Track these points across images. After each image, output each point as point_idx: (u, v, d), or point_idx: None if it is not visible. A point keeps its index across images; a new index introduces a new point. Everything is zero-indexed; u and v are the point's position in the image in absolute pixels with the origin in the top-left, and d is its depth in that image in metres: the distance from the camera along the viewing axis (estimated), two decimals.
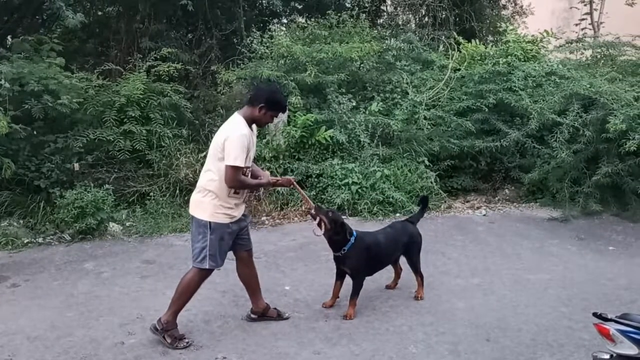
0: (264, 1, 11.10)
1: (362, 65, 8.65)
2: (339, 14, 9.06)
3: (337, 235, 4.16)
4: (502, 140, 7.63)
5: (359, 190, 7.14)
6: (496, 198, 8.06)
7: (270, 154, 7.32)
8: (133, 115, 7.10)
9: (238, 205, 3.81)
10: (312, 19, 9.70)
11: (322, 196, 7.16)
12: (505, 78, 8.19)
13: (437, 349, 3.81)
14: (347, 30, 8.95)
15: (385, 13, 12.05)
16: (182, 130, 7.54)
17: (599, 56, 9.12)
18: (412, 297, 4.62)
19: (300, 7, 11.49)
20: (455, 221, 7.05)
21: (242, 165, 3.61)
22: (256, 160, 7.06)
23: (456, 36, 9.41)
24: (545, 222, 7.05)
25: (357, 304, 4.27)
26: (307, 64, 7.74)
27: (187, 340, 3.81)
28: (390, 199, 7.11)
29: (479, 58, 8.94)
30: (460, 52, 9.07)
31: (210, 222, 3.69)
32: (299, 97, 7.60)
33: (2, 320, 4.19)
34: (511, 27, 9.95)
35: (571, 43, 9.38)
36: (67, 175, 6.70)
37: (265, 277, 4.85)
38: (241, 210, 3.88)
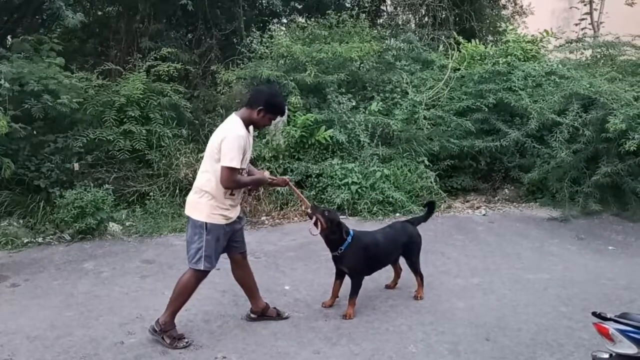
0: (263, 1, 11.11)
1: (361, 65, 8.66)
2: (338, 14, 9.07)
3: (333, 234, 4.15)
4: (501, 140, 7.64)
5: (359, 190, 7.14)
6: (496, 198, 8.06)
7: (270, 154, 7.32)
8: (133, 115, 7.11)
9: (233, 206, 3.80)
10: (312, 19, 9.70)
11: (322, 196, 7.16)
12: (505, 78, 8.19)
13: (436, 349, 3.80)
14: (347, 30, 8.95)
15: (385, 13, 12.06)
16: (182, 130, 7.54)
17: (598, 56, 9.12)
18: (412, 296, 4.62)
19: (300, 7, 11.50)
20: (455, 221, 7.05)
21: (238, 166, 3.59)
22: (256, 160, 7.11)
23: (456, 36, 9.41)
24: (545, 221, 7.05)
25: (356, 304, 4.26)
26: (306, 63, 7.74)
27: (186, 340, 3.81)
28: (390, 199, 7.12)
29: (478, 58, 8.95)
30: (460, 52, 9.07)
31: (206, 223, 3.68)
32: (298, 97, 7.60)
33: (2, 319, 4.19)
34: (511, 27, 9.96)
35: (571, 43, 9.38)
36: (66, 175, 6.70)
37: (265, 277, 4.86)
38: (237, 212, 3.86)
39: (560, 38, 9.72)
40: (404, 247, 4.56)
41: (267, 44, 8.26)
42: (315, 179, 7.34)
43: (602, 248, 6.11)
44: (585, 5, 11.39)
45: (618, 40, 8.61)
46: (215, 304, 4.46)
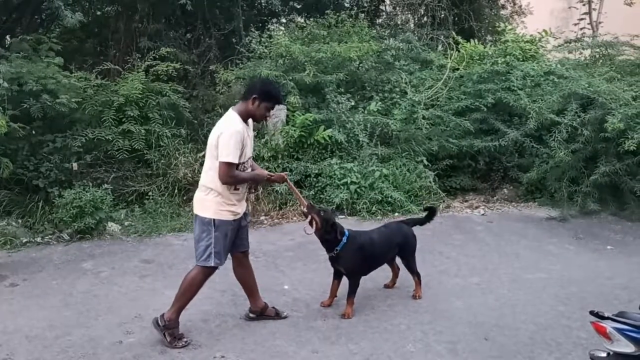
0: (262, 1, 11.11)
1: (360, 64, 8.66)
2: (337, 14, 9.07)
3: (327, 234, 4.15)
4: (500, 140, 7.64)
5: (358, 189, 7.14)
6: (495, 197, 8.06)
7: (269, 154, 7.32)
8: (132, 114, 7.10)
9: (240, 201, 3.83)
10: (311, 19, 9.72)
11: (321, 196, 7.16)
12: (503, 78, 8.20)
13: (435, 348, 3.81)
14: (346, 30, 8.96)
15: (384, 13, 12.08)
16: (181, 130, 7.54)
17: (597, 56, 9.14)
18: (410, 296, 4.62)
19: (299, 6, 11.50)
20: (454, 220, 7.05)
21: (236, 161, 3.60)
22: (255, 160, 7.07)
23: (455, 36, 9.43)
24: (544, 221, 7.05)
25: (355, 303, 4.27)
26: (305, 63, 7.74)
27: (185, 340, 3.81)
28: (389, 199, 7.11)
29: (477, 58, 8.95)
30: (459, 51, 9.08)
31: (214, 220, 3.70)
32: (297, 97, 7.60)
33: (1, 319, 4.18)
34: (510, 27, 9.97)
35: (570, 43, 9.40)
36: (65, 175, 6.70)
37: (264, 277, 4.86)
38: (243, 207, 3.89)
39: (559, 38, 9.75)
40: (398, 247, 4.56)
41: (266, 43, 8.26)
42: (314, 179, 7.34)
43: (600, 247, 6.11)
44: (584, 5, 11.42)
45: (617, 40, 8.63)
46: (214, 303, 4.46)
